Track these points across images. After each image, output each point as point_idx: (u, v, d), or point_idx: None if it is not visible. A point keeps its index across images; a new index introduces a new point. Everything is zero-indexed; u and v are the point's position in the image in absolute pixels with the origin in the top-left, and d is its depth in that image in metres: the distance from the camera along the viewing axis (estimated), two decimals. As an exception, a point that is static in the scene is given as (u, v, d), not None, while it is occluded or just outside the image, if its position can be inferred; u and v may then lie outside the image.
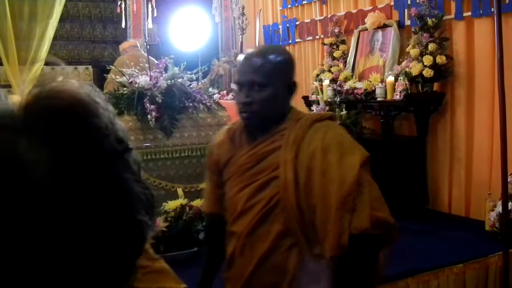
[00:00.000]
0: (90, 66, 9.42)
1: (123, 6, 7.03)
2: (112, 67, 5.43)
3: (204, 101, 4.98)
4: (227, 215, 2.34)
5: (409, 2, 5.89)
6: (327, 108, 5.77)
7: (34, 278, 0.53)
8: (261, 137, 2.23)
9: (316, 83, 6.69)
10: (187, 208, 4.30)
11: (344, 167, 2.04)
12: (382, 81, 5.82)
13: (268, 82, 2.16)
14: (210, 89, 5.49)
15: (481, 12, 5.11)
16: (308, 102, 6.71)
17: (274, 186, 2.15)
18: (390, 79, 5.61)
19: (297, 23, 7.75)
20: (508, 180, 4.25)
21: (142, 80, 4.72)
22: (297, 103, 7.02)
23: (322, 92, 6.39)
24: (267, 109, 2.18)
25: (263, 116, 2.19)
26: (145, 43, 6.89)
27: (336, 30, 6.78)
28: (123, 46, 7.13)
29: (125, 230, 0.60)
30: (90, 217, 0.56)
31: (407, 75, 5.50)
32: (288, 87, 2.24)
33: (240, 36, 7.52)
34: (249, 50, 2.32)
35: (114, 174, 0.59)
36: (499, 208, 4.50)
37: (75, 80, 0.61)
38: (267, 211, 2.15)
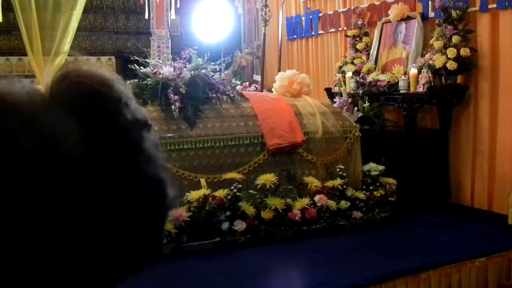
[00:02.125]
0: (113, 57, 9.50)
1: (146, -3, 7.04)
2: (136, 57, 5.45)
3: (227, 92, 4.99)
4: None
5: (433, -6, 5.85)
6: (350, 100, 5.76)
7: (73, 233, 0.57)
8: None
9: (339, 75, 6.69)
10: (210, 198, 4.34)
11: None
12: (405, 73, 5.80)
13: None
14: (233, 80, 5.51)
15: (506, 4, 5.07)
16: (331, 94, 6.73)
17: None
18: (413, 71, 5.59)
19: (320, 14, 7.74)
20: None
21: (166, 70, 4.75)
22: (319, 95, 7.09)
23: (345, 84, 6.39)
24: None
25: None
26: (168, 34, 6.92)
27: (359, 22, 6.77)
28: None
29: (152, 188, 0.65)
30: (119, 178, 0.61)
31: (431, 67, 5.48)
32: None
33: (263, 27, 7.51)
34: None
35: (135, 142, 0.64)
36: (522, 202, 4.48)
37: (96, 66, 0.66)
38: None
